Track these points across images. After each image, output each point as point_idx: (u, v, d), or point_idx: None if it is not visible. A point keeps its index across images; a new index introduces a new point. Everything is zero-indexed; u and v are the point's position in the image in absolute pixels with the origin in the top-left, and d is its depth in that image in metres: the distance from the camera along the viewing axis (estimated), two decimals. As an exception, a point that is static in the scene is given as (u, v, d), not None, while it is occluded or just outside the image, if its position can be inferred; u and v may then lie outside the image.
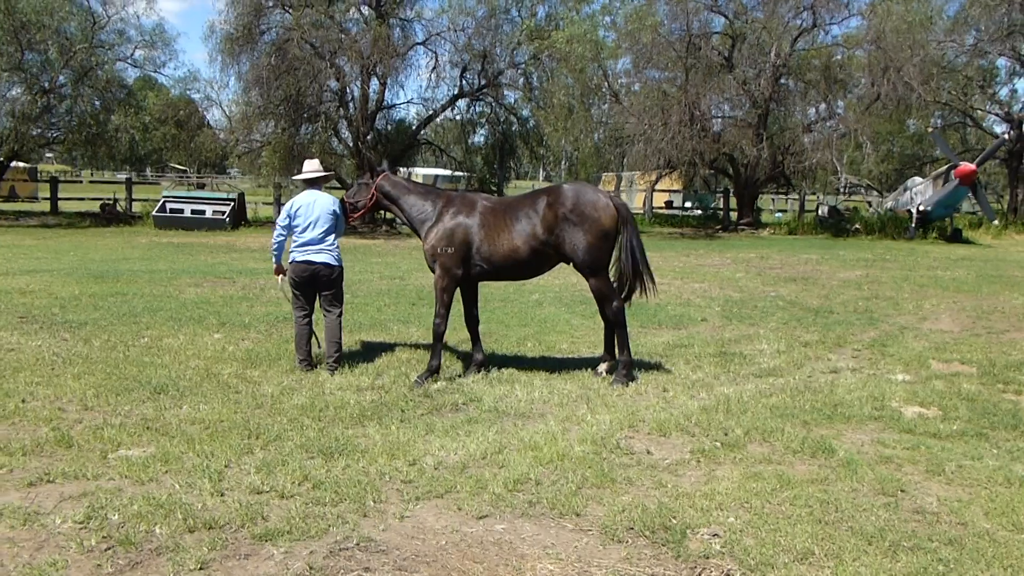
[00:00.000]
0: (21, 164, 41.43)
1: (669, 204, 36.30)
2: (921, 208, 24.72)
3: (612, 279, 7.44)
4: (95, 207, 30.93)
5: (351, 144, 29.22)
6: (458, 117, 31.41)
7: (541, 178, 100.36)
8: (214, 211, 27.03)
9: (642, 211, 33.62)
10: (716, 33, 27.82)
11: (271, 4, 26.42)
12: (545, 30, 27.89)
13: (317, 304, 7.78)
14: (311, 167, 8.02)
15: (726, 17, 27.67)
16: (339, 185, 32.28)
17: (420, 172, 52.16)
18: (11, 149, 29.60)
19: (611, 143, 27.95)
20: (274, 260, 7.88)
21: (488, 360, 7.81)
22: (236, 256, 17.97)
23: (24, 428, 5.69)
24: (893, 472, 5.01)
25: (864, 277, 14.90)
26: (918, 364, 7.97)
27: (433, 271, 7.56)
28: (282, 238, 7.72)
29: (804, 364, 7.98)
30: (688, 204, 36.65)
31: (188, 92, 31.34)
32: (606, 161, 30.87)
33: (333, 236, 7.70)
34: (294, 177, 8.55)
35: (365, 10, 28.42)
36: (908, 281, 14.27)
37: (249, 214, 30.17)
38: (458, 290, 7.66)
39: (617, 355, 7.34)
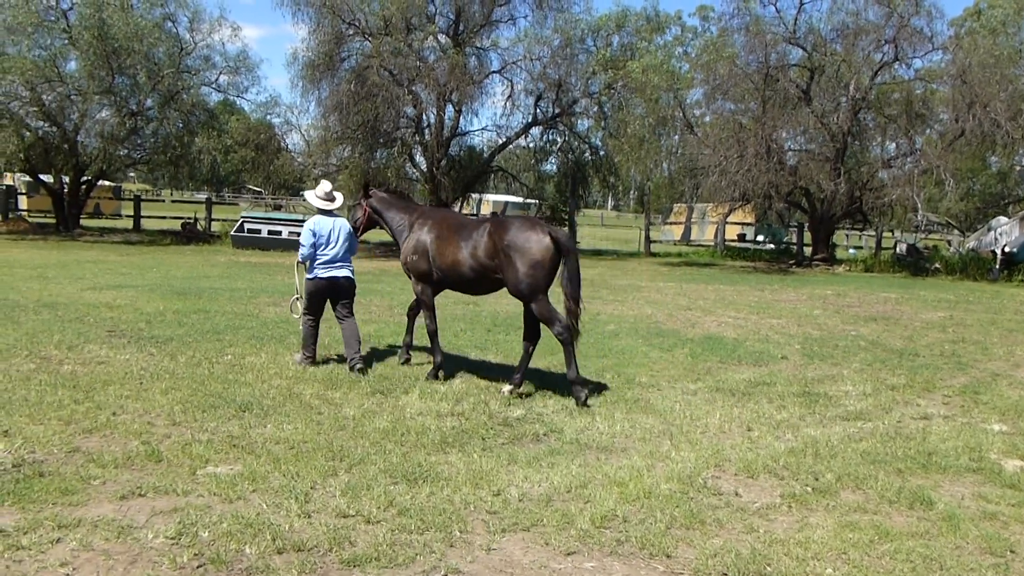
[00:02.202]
0: (106, 183, 42.99)
1: (741, 237, 35.86)
2: (1007, 249, 23.92)
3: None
4: (176, 225, 31.85)
5: (425, 169, 29.61)
6: (531, 145, 31.62)
7: (610, 207, 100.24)
8: (290, 232, 27.56)
9: (714, 243, 33.26)
10: (794, 65, 27.49)
11: (351, 32, 27.02)
12: (620, 60, 27.98)
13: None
14: (324, 193, 8.87)
15: (804, 50, 27.34)
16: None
17: (491, 199, 52.74)
18: (99, 168, 30.76)
19: (684, 174, 27.73)
20: (306, 266, 8.75)
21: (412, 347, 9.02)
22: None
23: (115, 440, 5.82)
24: (999, 530, 4.78)
25: (948, 319, 14.43)
26: (1015, 414, 7.64)
27: (409, 278, 8.62)
28: (309, 253, 8.55)
29: (892, 408, 7.72)
30: (760, 238, 36.14)
31: (268, 116, 32.22)
32: (678, 192, 30.62)
33: (350, 254, 8.73)
34: (305, 194, 9.50)
35: (442, 39, 28.90)
36: (995, 325, 13.78)
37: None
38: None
39: (567, 373, 7.67)
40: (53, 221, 32.23)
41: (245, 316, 11.62)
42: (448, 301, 14.32)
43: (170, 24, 30.03)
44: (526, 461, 5.70)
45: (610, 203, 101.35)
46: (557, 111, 29.62)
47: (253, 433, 6.11)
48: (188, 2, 29.98)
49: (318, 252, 8.54)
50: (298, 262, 8.91)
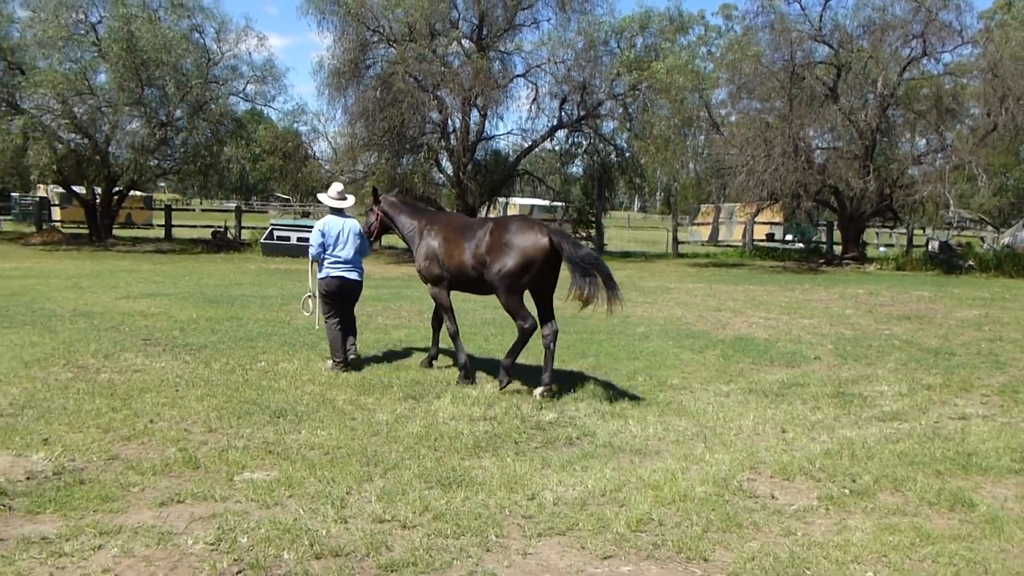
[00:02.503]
0: (137, 193, 43.55)
1: (770, 237, 35.59)
2: (1042, 244, 23.55)
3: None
4: (206, 234, 32.23)
5: (451, 174, 29.70)
6: (556, 148, 31.62)
7: (636, 208, 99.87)
8: (318, 239, 27.77)
9: (742, 244, 33.04)
10: (820, 63, 27.24)
11: (376, 39, 27.18)
12: (644, 61, 27.89)
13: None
14: (337, 192, 9.15)
15: (830, 47, 27.11)
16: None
17: (517, 202, 52.74)
18: (129, 179, 31.15)
19: (711, 174, 27.59)
20: (317, 265, 9.08)
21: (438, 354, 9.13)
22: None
23: (153, 448, 5.89)
24: (1043, 530, 4.72)
25: (984, 317, 14.23)
26: (1055, 412, 7.53)
27: (425, 284, 8.74)
28: (318, 253, 8.86)
29: (929, 409, 7.63)
30: (789, 237, 35.86)
31: (295, 125, 32.48)
32: (705, 193, 30.48)
33: (359, 255, 8.97)
34: (320, 196, 9.61)
35: (466, 44, 28.99)
36: (1033, 322, 13.57)
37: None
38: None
39: (503, 359, 8.08)
40: (86, 231, 32.68)
41: (277, 323, 11.71)
42: (477, 306, 14.37)
43: (197, 35, 30.35)
44: (560, 465, 5.69)
45: (636, 205, 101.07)
46: (582, 113, 29.59)
47: (288, 439, 6.16)
48: (215, 13, 30.37)
49: (328, 253, 8.82)
50: (311, 261, 9.27)
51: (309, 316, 9.72)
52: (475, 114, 29.33)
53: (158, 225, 39.70)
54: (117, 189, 32.05)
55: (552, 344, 8.00)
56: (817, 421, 7.03)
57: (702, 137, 28.43)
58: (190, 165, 31.69)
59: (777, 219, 34.61)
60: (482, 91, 26.93)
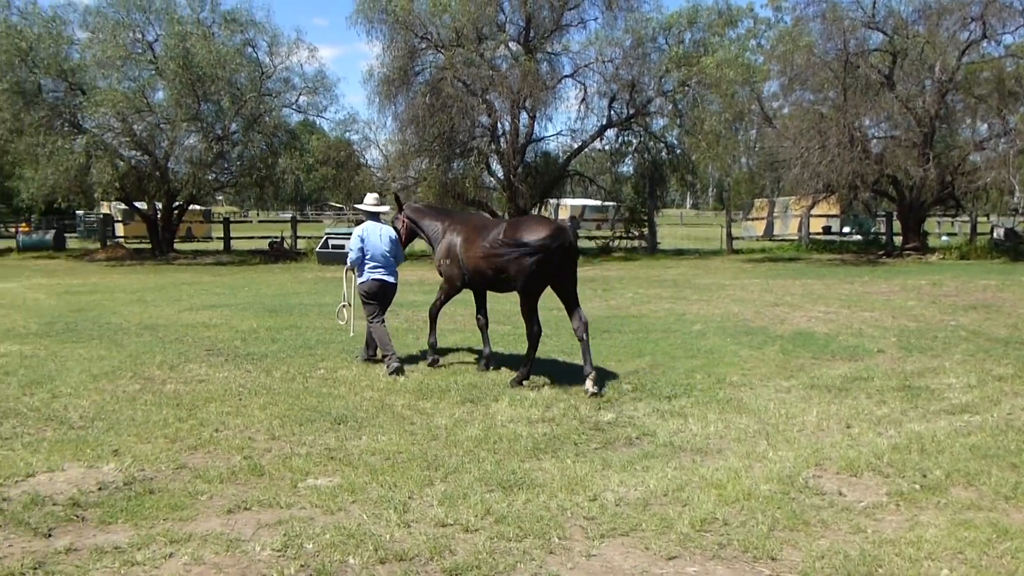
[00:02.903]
0: (196, 207, 44.52)
1: (827, 230, 34.93)
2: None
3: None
4: (264, 245, 32.79)
5: (502, 177, 29.77)
6: (606, 147, 31.49)
7: (688, 206, 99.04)
8: (372, 246, 28.08)
9: (798, 237, 32.49)
10: (874, 50, 26.67)
11: (424, 46, 27.40)
12: (693, 56, 27.60)
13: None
14: (372, 200, 9.65)
15: (885, 33, 26.52)
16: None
17: (569, 203, 52.70)
18: (188, 193, 31.85)
19: (764, 168, 27.19)
20: (355, 270, 9.52)
21: (492, 355, 9.30)
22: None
23: (219, 456, 5.99)
24: None
25: (1055, 304, 13.78)
26: None
27: (440, 276, 9.30)
28: (358, 257, 9.25)
29: (1001, 400, 7.40)
30: (847, 229, 35.16)
31: (347, 134, 32.90)
32: (758, 187, 30.04)
33: (394, 259, 9.37)
34: (356, 206, 10.54)
35: (514, 47, 29.04)
36: (1107, 308, 13.09)
37: (405, 249, 31.19)
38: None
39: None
40: (148, 246, 33.51)
41: (335, 331, 11.84)
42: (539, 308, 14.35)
43: (250, 49, 30.95)
44: (620, 465, 5.65)
45: (688, 202, 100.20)
46: (631, 112, 29.42)
47: (349, 445, 6.22)
48: (266, 27, 30.91)
49: (368, 257, 9.25)
50: (347, 269, 9.65)
51: (344, 326, 10.14)
52: (524, 116, 29.36)
53: (217, 238, 40.51)
54: (177, 204, 32.80)
55: (584, 335, 8.15)
56: (883, 415, 6.87)
57: (754, 131, 28.04)
58: (246, 178, 32.29)
59: (834, 211, 33.94)
60: (530, 93, 26.97)
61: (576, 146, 30.72)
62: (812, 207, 31.38)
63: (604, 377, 8.38)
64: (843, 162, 23.55)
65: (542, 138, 31.27)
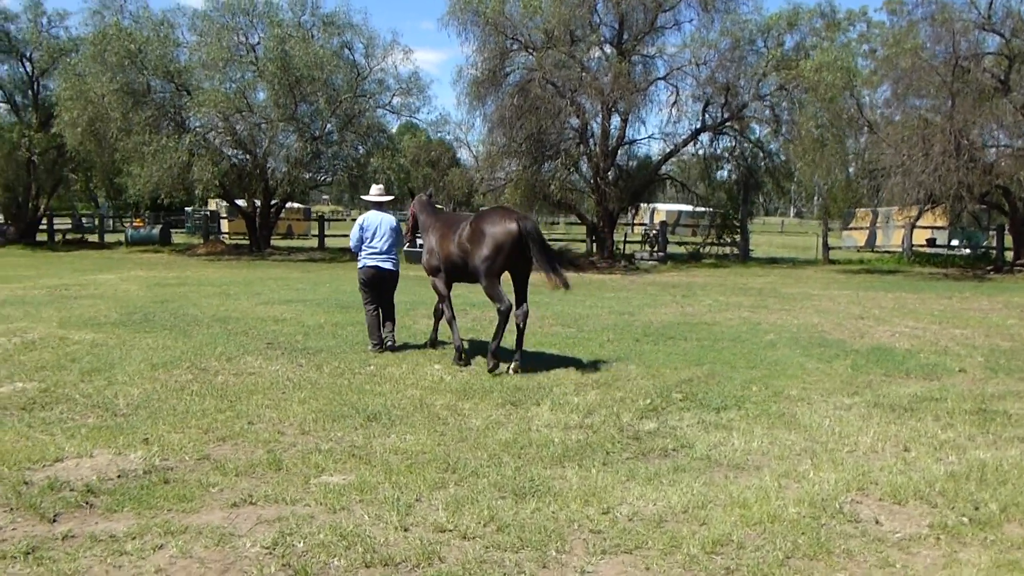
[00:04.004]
0: (296, 205, 45.77)
1: (931, 242, 33.24)
2: None
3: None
4: (355, 242, 33.33)
5: (591, 180, 29.46)
6: (700, 151, 30.77)
7: (792, 214, 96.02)
8: (458, 246, 28.22)
9: (900, 249, 31.03)
10: (989, 54, 25.20)
11: (515, 47, 27.35)
12: (792, 60, 26.69)
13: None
14: (377, 191, 10.42)
15: (1001, 36, 25.01)
16: (578, 220, 32.72)
17: (664, 208, 51.87)
18: (285, 191, 32.72)
19: (863, 176, 26.00)
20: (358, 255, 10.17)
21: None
22: (475, 288, 18.40)
23: (244, 448, 5.98)
24: None
25: None
26: None
27: (428, 275, 9.78)
28: (357, 246, 9.96)
29: (1086, 428, 6.75)
30: (954, 242, 33.38)
31: (439, 134, 33.23)
32: (857, 196, 28.80)
33: (394, 248, 9.93)
34: (363, 197, 11.17)
35: (608, 49, 28.71)
36: None
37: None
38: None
39: (489, 341, 8.92)
40: (248, 242, 34.57)
41: (398, 328, 11.82)
42: (602, 311, 14.10)
43: (347, 51, 31.60)
44: (646, 477, 5.36)
45: (792, 210, 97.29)
46: (726, 116, 28.67)
47: (375, 443, 6.12)
48: (363, 29, 31.49)
49: (365, 245, 9.90)
50: (352, 249, 10.24)
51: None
52: (616, 119, 29.01)
53: (314, 235, 41.49)
54: (274, 202, 33.73)
55: (522, 324, 8.80)
56: (947, 440, 6.35)
57: (857, 138, 26.89)
58: (340, 177, 32.97)
59: (940, 223, 32.27)
60: (622, 95, 26.58)
61: (669, 150, 30.15)
62: (918, 218, 29.93)
63: (656, 385, 8.08)
64: (948, 171, 22.30)
65: (634, 141, 30.85)
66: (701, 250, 30.77)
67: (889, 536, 4.47)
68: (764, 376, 8.61)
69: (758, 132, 30.25)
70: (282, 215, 38.85)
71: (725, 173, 31.81)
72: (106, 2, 32.11)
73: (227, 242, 38.08)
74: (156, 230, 38.80)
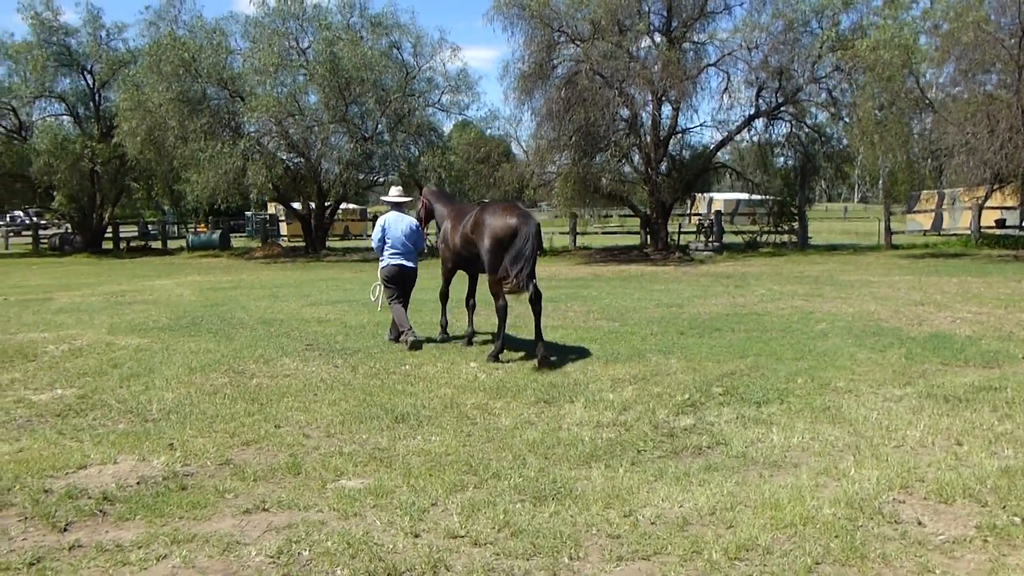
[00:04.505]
0: (352, 206, 46.19)
1: (1001, 223, 31.90)
2: None
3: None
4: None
5: (643, 171, 29.03)
6: (754, 138, 30.07)
7: (856, 199, 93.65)
8: (510, 243, 28.06)
9: (969, 231, 29.88)
10: (1058, 23, 24.01)
11: (562, 39, 27.05)
12: (849, 40, 25.87)
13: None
14: (396, 192, 10.88)
15: (1071, 3, 23.82)
16: (631, 213, 32.29)
17: (722, 197, 50.93)
18: (338, 193, 32.99)
19: (924, 156, 25.03)
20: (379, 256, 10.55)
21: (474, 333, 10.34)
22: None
23: (267, 452, 5.90)
24: None
25: None
26: None
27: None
28: (379, 245, 10.36)
29: None
30: (1026, 223, 31.98)
31: (488, 131, 33.15)
32: (919, 177, 27.78)
33: (413, 247, 10.38)
34: (383, 198, 11.55)
35: (657, 37, 28.22)
36: None
37: (545, 243, 31.08)
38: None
39: (494, 339, 9.21)
40: (304, 244, 34.97)
41: (437, 327, 11.69)
42: (650, 304, 13.79)
43: (396, 51, 31.68)
44: (674, 477, 5.12)
45: (856, 195, 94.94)
46: (781, 100, 28.00)
47: (399, 445, 5.98)
48: (411, 29, 31.54)
49: (388, 245, 10.29)
50: (375, 251, 10.65)
51: (375, 301, 11.18)
52: (667, 108, 28.55)
53: (368, 235, 41.75)
54: (328, 203, 34.05)
55: (537, 307, 8.90)
56: (1004, 432, 5.94)
57: (917, 117, 25.89)
58: (392, 177, 33.08)
59: (1010, 203, 30.93)
60: (672, 84, 26.09)
61: (721, 138, 29.55)
62: (985, 199, 28.76)
63: (696, 379, 7.81)
64: (1016, 148, 21.35)
65: (686, 130, 30.29)
66: (758, 239, 30.06)
67: (931, 539, 4.15)
68: (811, 367, 8.24)
69: (815, 116, 29.42)
70: (338, 216, 39.21)
71: (782, 159, 31.02)
72: (161, 13, 32.92)
73: (285, 245, 38.60)
74: (216, 235, 39.50)
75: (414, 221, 10.52)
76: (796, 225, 29.53)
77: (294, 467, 5.49)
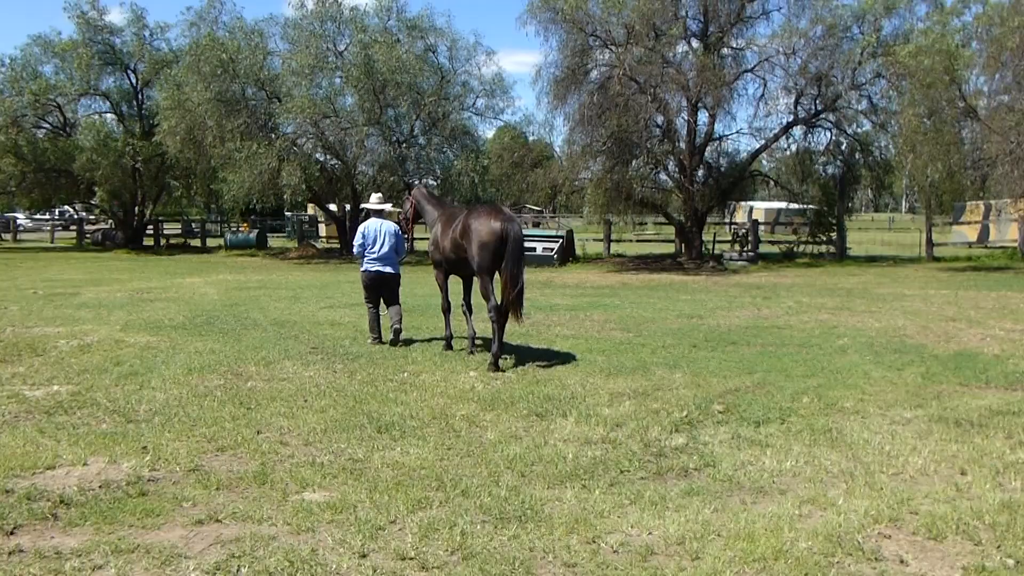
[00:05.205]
0: (388, 207, 46.19)
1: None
2: None
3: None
4: (443, 245, 33.33)
5: (677, 178, 28.59)
6: (793, 146, 29.45)
7: (904, 209, 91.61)
8: (544, 248, 27.87)
9: (1017, 244, 28.93)
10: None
11: (596, 44, 26.75)
12: (890, 45, 25.20)
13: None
14: (376, 199, 11.13)
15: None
16: (665, 220, 31.85)
17: (763, 206, 50.08)
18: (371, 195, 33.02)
19: (967, 166, 24.20)
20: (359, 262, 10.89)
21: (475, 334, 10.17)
22: (547, 292, 18.04)
23: (240, 459, 5.75)
24: None
25: None
26: None
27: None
28: (359, 251, 10.61)
29: None
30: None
31: (525, 135, 32.93)
32: (962, 187, 26.93)
33: (395, 252, 10.59)
34: (363, 205, 10.85)
35: (694, 43, 27.78)
36: None
37: (578, 250, 30.76)
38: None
39: (491, 346, 8.99)
40: (339, 246, 35.08)
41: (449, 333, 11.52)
42: (670, 315, 13.47)
43: (431, 55, 31.61)
44: (650, 501, 4.86)
45: (904, 205, 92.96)
46: (820, 107, 27.37)
47: (376, 456, 5.80)
48: (446, 32, 31.42)
49: (367, 251, 10.50)
50: (356, 256, 10.91)
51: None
52: (703, 115, 28.08)
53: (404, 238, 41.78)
54: (363, 206, 34.10)
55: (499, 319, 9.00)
56: (1014, 462, 5.58)
57: (959, 127, 25.10)
58: (426, 180, 33.03)
59: (1060, 215, 29.86)
60: (707, 90, 25.63)
61: (758, 146, 28.96)
62: (1035, 211, 27.77)
63: (697, 395, 7.52)
64: (1064, 159, 20.57)
65: (723, 137, 29.70)
66: (795, 249, 29.43)
67: (910, 579, 3.85)
68: (820, 386, 7.89)
69: (859, 124, 28.67)
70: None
71: (821, 168, 30.28)
72: (202, 14, 33.26)
73: (321, 246, 38.76)
74: (253, 234, 39.81)
75: (394, 227, 10.74)
76: (834, 236, 28.84)
77: (261, 476, 5.34)
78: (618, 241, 33.11)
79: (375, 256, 10.54)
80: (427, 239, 11.19)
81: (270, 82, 31.04)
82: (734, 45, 28.07)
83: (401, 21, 31.47)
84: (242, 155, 28.89)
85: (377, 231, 10.57)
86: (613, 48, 26.19)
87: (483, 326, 10.34)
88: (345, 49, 31.40)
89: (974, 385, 7.97)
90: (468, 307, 10.42)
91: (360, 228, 10.69)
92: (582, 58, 26.35)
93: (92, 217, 53.56)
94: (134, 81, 37.77)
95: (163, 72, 34.92)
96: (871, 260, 27.75)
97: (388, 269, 10.64)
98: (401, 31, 31.47)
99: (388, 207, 11.31)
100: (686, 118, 27.34)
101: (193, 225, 50.05)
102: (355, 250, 10.75)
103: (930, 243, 28.06)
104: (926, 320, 12.56)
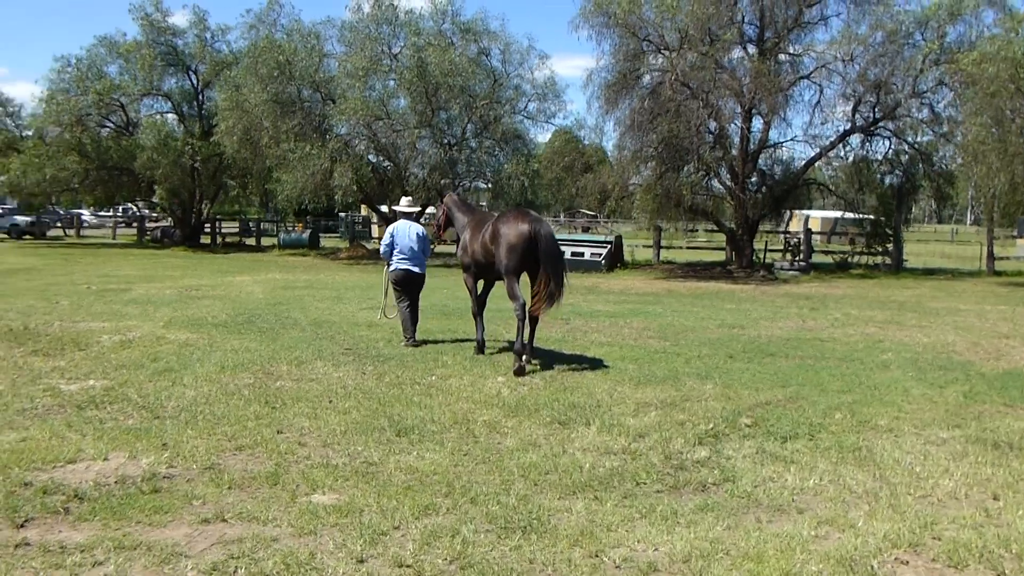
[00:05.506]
0: (433, 210, 46.49)
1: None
2: None
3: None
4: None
5: (729, 185, 28.19)
6: (850, 154, 28.79)
7: (970, 221, 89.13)
8: (592, 253, 27.74)
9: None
10: None
11: (649, 49, 26.51)
12: (954, 53, 24.51)
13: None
14: (406, 203, 11.73)
15: None
16: (716, 228, 31.41)
17: (819, 215, 49.13)
18: (424, 197, 33.18)
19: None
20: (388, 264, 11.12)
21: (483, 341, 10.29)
22: (591, 298, 17.91)
23: (256, 459, 5.77)
24: None
25: None
26: None
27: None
28: (387, 251, 10.96)
29: None
30: None
31: (577, 138, 32.79)
32: (1020, 198, 26.00)
33: (422, 253, 11.00)
34: (394, 207, 12.62)
35: (750, 48, 27.38)
36: None
37: (627, 256, 30.52)
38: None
39: (514, 343, 9.18)
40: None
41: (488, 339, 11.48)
42: (711, 324, 13.26)
43: (485, 58, 31.67)
44: (662, 516, 4.74)
45: (970, 216, 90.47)
46: (879, 115, 26.74)
47: (391, 460, 5.77)
48: (500, 36, 31.44)
49: (397, 251, 10.85)
50: (385, 270, 11.22)
51: (380, 319, 11.95)
52: (757, 122, 27.64)
53: (454, 241, 41.96)
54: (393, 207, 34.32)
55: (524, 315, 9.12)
56: (1051, 488, 5.33)
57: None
58: (476, 183, 33.13)
59: None
60: (762, 96, 25.21)
61: (813, 154, 28.41)
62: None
63: (726, 408, 7.35)
64: None
65: (778, 144, 29.20)
66: (849, 259, 28.78)
67: (922, 609, 3.68)
68: (854, 402, 7.65)
69: (920, 133, 27.90)
70: (423, 221, 39.46)
71: (879, 177, 29.57)
72: (262, 16, 33.78)
73: (372, 247, 39.08)
74: (306, 234, 40.34)
75: (421, 229, 11.20)
76: (890, 247, 28.15)
77: (273, 477, 5.35)
78: (668, 248, 32.79)
79: (404, 256, 10.91)
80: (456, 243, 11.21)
81: (325, 84, 31.42)
82: (791, 51, 27.57)
83: (455, 24, 31.59)
84: (296, 156, 29.28)
85: (407, 232, 10.98)
86: (666, 53, 25.92)
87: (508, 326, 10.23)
88: (399, 52, 31.60)
89: (1018, 406, 7.65)
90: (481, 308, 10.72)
91: (389, 229, 11.15)
92: (634, 63, 26.13)
93: (153, 215, 54.79)
94: (195, 82, 38.55)
95: (223, 73, 35.55)
96: (928, 272, 27.01)
97: (416, 268, 11.00)
98: (455, 34, 31.59)
99: (417, 209, 11.75)
100: (739, 124, 26.95)
101: (250, 224, 50.90)
102: (383, 250, 11.12)
103: (991, 256, 27.24)
104: (978, 336, 12.15)
